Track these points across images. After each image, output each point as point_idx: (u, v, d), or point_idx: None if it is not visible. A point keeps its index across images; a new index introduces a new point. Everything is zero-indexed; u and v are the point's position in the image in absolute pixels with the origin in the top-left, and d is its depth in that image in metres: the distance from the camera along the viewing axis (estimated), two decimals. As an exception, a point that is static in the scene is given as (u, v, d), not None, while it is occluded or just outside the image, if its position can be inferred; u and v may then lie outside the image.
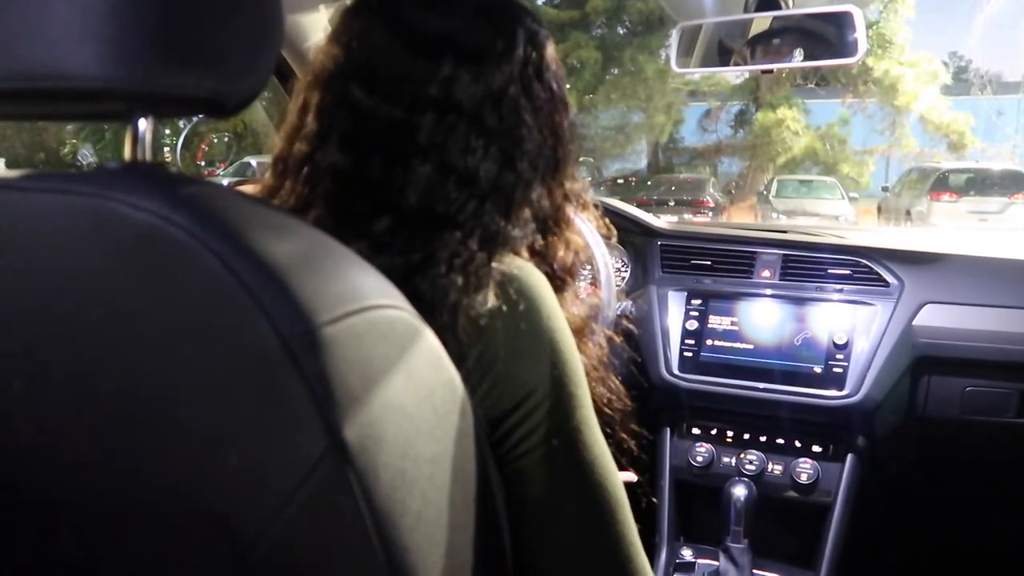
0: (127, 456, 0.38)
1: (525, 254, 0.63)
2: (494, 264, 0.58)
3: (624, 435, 0.80)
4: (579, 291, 0.71)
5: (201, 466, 0.37)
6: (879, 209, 13.17)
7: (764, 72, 1.31)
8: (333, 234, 0.44)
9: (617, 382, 0.74)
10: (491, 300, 0.56)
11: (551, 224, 0.66)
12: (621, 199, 1.70)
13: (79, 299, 0.39)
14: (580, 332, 0.66)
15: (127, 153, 0.43)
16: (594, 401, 0.63)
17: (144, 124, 0.43)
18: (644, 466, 1.47)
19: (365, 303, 0.40)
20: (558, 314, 0.60)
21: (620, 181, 14.91)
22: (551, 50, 0.66)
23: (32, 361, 0.39)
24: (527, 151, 0.62)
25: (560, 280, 0.67)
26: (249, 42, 0.43)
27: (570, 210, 0.69)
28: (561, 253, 0.67)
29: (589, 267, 1.41)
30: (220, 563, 0.37)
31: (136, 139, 0.43)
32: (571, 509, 0.58)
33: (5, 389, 0.39)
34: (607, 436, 0.64)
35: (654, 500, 1.43)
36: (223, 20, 0.42)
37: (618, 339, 0.81)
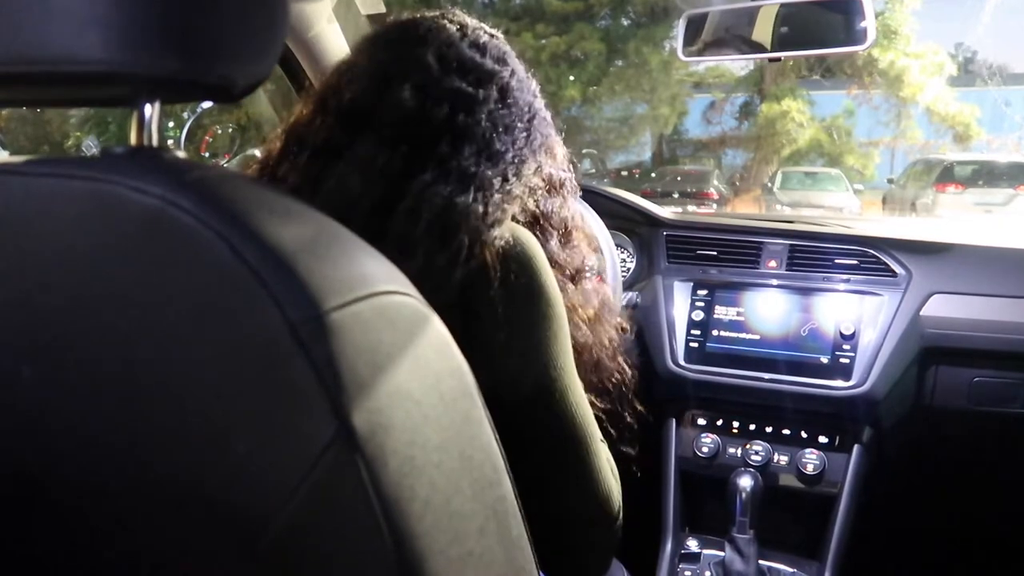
0: (133, 443, 0.38)
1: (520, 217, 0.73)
2: (492, 235, 0.66)
3: (627, 412, 0.90)
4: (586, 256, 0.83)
5: (208, 453, 0.37)
6: (884, 201, 13.12)
7: (771, 60, 1.30)
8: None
9: (624, 360, 0.82)
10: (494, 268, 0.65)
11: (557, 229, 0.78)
12: (626, 191, 1.69)
13: (83, 284, 0.38)
14: (575, 280, 0.79)
15: (132, 138, 0.42)
16: (601, 374, 0.72)
17: (150, 109, 0.42)
18: (647, 445, 1.48)
19: (373, 289, 0.40)
20: (551, 277, 0.70)
21: (624, 173, 14.89)
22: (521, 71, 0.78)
23: (36, 346, 0.39)
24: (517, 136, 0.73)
25: (564, 234, 0.79)
26: (255, 26, 0.43)
27: (549, 167, 0.79)
28: (566, 254, 0.78)
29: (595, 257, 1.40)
30: (228, 550, 0.37)
31: (142, 124, 0.42)
32: (547, 440, 0.70)
33: (11, 372, 0.39)
34: (611, 412, 0.73)
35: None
36: (229, 4, 0.41)
37: (626, 326, 0.88)
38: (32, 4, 0.38)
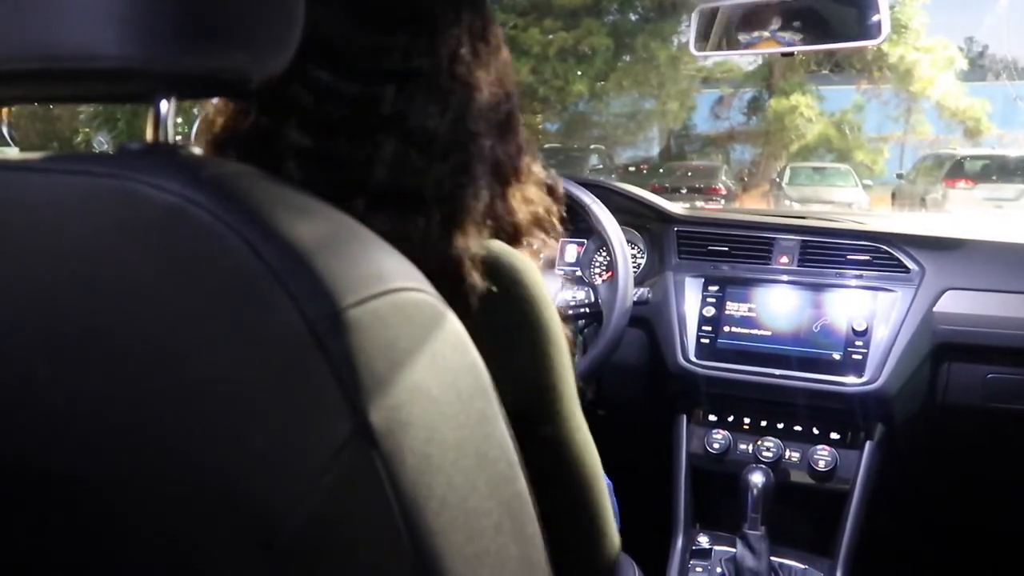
0: (151, 437, 0.38)
1: (486, 221, 0.63)
2: (468, 249, 0.59)
3: None
4: (536, 247, 0.71)
5: (226, 449, 0.37)
6: (893, 196, 13.07)
7: (784, 55, 1.29)
8: None
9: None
10: (479, 285, 0.57)
11: (507, 176, 0.66)
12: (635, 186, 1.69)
13: (102, 280, 0.38)
14: (563, 316, 0.68)
15: (149, 134, 0.42)
16: None
17: (166, 105, 0.42)
18: (658, 442, 1.47)
19: (390, 285, 0.40)
20: (547, 296, 0.63)
21: (632, 169, 14.84)
22: (488, 6, 0.66)
23: (55, 341, 0.39)
24: (480, 108, 0.62)
25: (521, 235, 0.67)
26: (272, 20, 0.43)
27: (525, 162, 0.68)
28: (521, 207, 0.67)
29: (606, 253, 1.40)
30: (245, 546, 0.37)
31: (158, 120, 0.42)
32: (555, 488, 0.63)
33: (29, 368, 0.39)
34: None
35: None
36: None
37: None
38: (48, 1, 0.38)
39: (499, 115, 0.65)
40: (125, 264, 0.38)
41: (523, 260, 0.63)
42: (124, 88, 0.43)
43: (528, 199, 0.68)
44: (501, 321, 0.60)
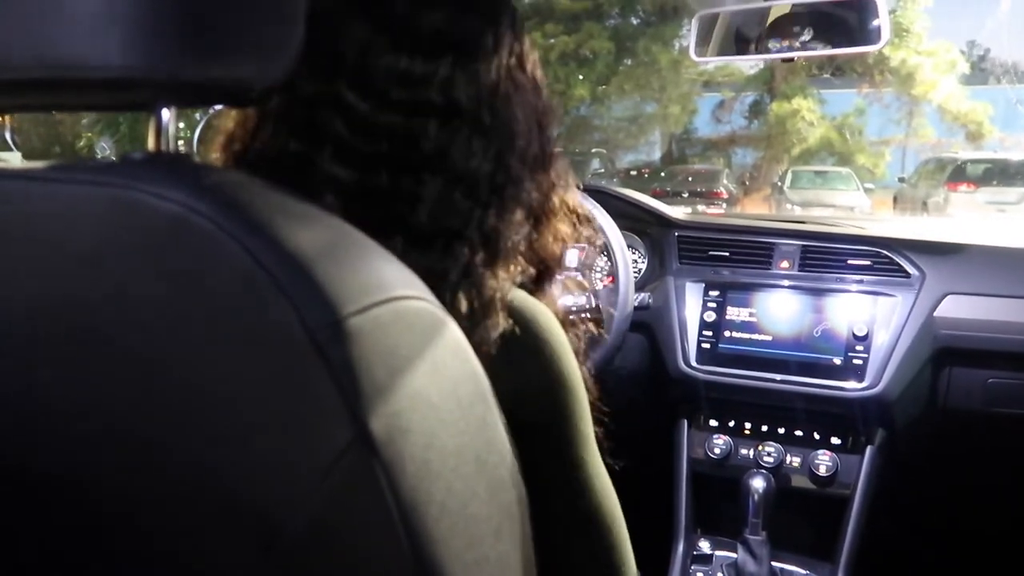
0: (152, 442, 0.38)
1: (522, 261, 0.62)
2: (501, 289, 0.57)
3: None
4: (567, 283, 0.72)
5: (227, 455, 0.37)
6: (895, 200, 13.06)
7: (784, 60, 1.30)
8: None
9: (587, 372, 0.74)
10: (502, 324, 0.55)
11: (541, 216, 0.64)
12: (636, 191, 1.69)
13: (104, 287, 0.39)
14: (564, 322, 0.65)
15: (151, 143, 0.43)
16: None
17: (167, 114, 0.43)
18: (659, 447, 1.47)
19: (391, 294, 0.40)
20: (571, 354, 0.61)
21: (634, 173, 14.86)
22: (526, 36, 0.64)
23: (57, 346, 0.39)
24: (518, 146, 0.60)
25: (548, 271, 0.66)
26: (273, 29, 0.43)
27: (558, 197, 0.66)
28: (551, 243, 0.65)
29: (607, 258, 1.40)
30: (245, 551, 0.37)
31: (160, 129, 0.42)
32: (574, 535, 0.62)
33: (32, 373, 0.40)
34: None
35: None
36: (247, 6, 0.41)
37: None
38: (48, 8, 0.38)
39: (535, 152, 0.62)
40: (128, 272, 0.38)
41: (538, 305, 0.61)
42: (125, 97, 0.44)
43: (559, 236, 0.66)
44: (521, 366, 0.57)
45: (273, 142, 0.57)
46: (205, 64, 0.40)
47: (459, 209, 0.57)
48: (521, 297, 0.60)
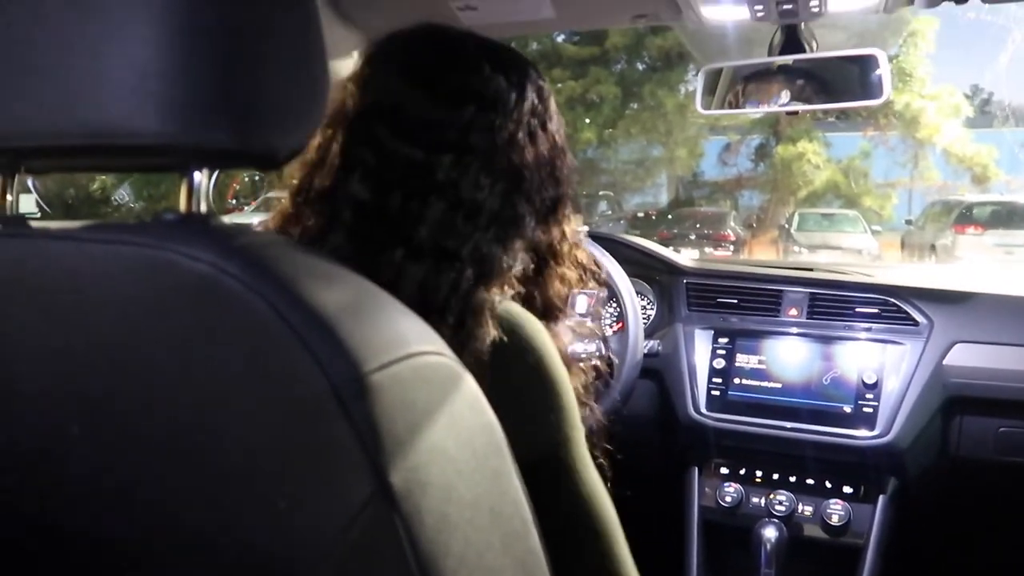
0: (175, 498, 0.39)
1: (516, 284, 0.69)
2: (490, 300, 0.63)
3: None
4: (571, 321, 0.78)
5: (250, 508, 0.38)
6: (903, 242, 13.04)
7: (789, 114, 1.32)
8: (351, 260, 0.48)
9: (596, 407, 0.79)
10: (492, 332, 0.61)
11: (548, 257, 0.73)
12: (642, 233, 1.71)
13: (135, 346, 0.40)
14: (567, 360, 0.71)
15: (182, 205, 0.44)
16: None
17: (199, 176, 0.44)
18: (669, 494, 1.46)
19: (410, 350, 0.41)
20: (557, 359, 0.66)
21: (641, 215, 14.91)
22: (553, 102, 0.73)
23: (85, 405, 0.41)
24: (526, 191, 0.68)
25: (554, 310, 0.74)
26: (299, 95, 0.45)
27: (567, 246, 0.75)
28: (556, 285, 0.74)
29: (616, 305, 1.41)
30: None
31: (191, 191, 0.44)
32: (571, 539, 0.65)
33: (62, 431, 0.41)
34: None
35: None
36: (276, 75, 0.43)
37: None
38: (87, 77, 0.40)
39: (546, 200, 0.70)
40: (158, 330, 0.40)
41: (526, 314, 0.67)
42: (160, 161, 0.45)
43: (565, 280, 0.74)
44: (507, 370, 0.62)
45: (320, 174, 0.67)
46: (236, 132, 0.42)
47: (459, 231, 0.64)
48: (508, 306, 0.66)
